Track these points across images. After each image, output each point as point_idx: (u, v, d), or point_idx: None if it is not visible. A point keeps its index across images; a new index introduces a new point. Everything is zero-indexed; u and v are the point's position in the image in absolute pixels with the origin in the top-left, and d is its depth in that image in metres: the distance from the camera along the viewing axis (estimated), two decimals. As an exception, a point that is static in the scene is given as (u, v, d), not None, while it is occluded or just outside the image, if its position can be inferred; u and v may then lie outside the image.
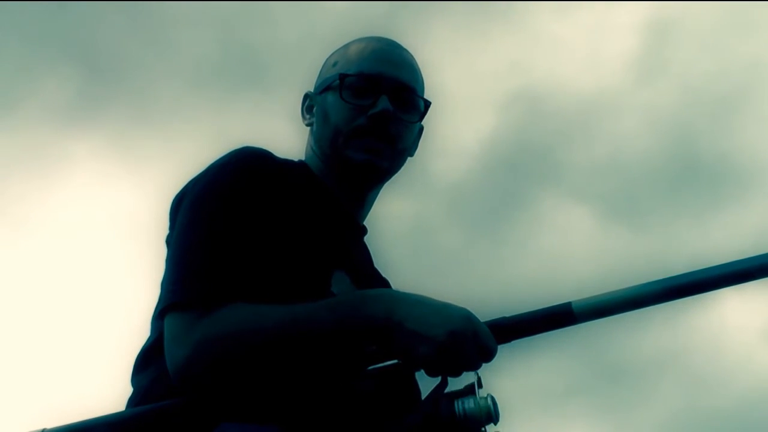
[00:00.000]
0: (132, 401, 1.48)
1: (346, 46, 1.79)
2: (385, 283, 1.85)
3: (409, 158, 1.79)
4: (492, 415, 1.29)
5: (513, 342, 1.38)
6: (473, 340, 1.32)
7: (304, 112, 1.82)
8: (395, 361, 1.36)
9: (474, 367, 1.33)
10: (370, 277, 1.74)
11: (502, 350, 1.38)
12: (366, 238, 1.82)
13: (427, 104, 1.77)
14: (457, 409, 1.29)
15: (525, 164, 6.70)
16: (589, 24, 7.00)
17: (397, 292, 1.40)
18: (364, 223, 1.80)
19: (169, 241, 1.56)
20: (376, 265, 1.85)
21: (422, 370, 1.34)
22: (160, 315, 1.43)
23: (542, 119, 6.79)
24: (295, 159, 1.78)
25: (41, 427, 1.36)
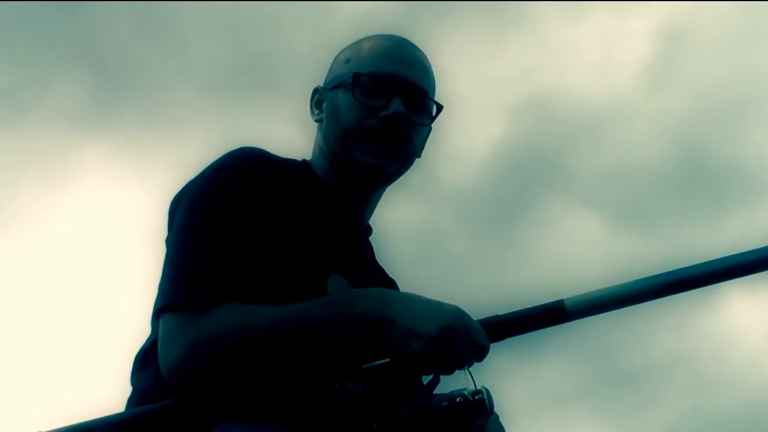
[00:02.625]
0: (132, 401, 1.49)
1: (359, 43, 1.77)
2: (390, 284, 1.83)
3: (417, 159, 1.77)
4: (486, 406, 1.31)
5: (507, 340, 1.39)
6: (465, 336, 1.33)
7: (313, 107, 1.79)
8: (388, 359, 1.37)
9: (466, 363, 1.34)
10: (370, 279, 1.72)
11: (502, 351, 1.39)
12: (371, 238, 1.81)
13: (439, 107, 1.75)
14: (450, 401, 1.30)
15: (534, 170, 6.71)
16: (601, 31, 7.01)
17: (391, 291, 1.42)
18: (369, 222, 1.79)
19: (168, 242, 1.56)
20: (382, 265, 1.84)
21: (416, 368, 1.35)
22: (155, 316, 1.44)
23: (552, 125, 6.80)
24: (299, 158, 1.77)
25: (37, 430, 1.36)
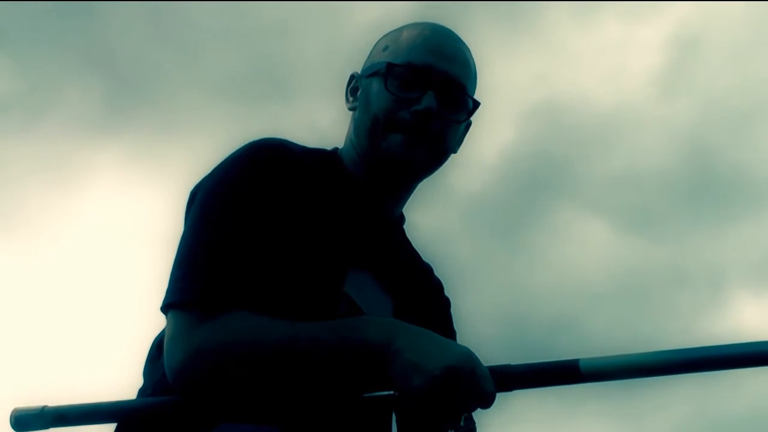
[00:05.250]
0: (142, 393, 1.50)
1: (400, 30, 1.71)
2: (425, 272, 1.82)
3: (452, 155, 1.72)
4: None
5: (515, 391, 1.36)
6: (470, 380, 1.28)
7: (348, 95, 1.74)
8: (391, 392, 1.34)
9: (466, 409, 1.30)
10: (398, 272, 1.68)
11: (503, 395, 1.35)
12: (405, 226, 1.78)
13: (476, 104, 1.68)
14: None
15: (544, 176, 6.71)
16: (613, 39, 7.00)
17: (402, 322, 1.39)
18: (402, 211, 1.75)
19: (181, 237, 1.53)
20: (418, 251, 1.80)
21: (414, 405, 1.31)
22: (162, 310, 1.44)
23: (562, 132, 6.80)
24: (330, 147, 1.74)
25: (42, 404, 1.39)
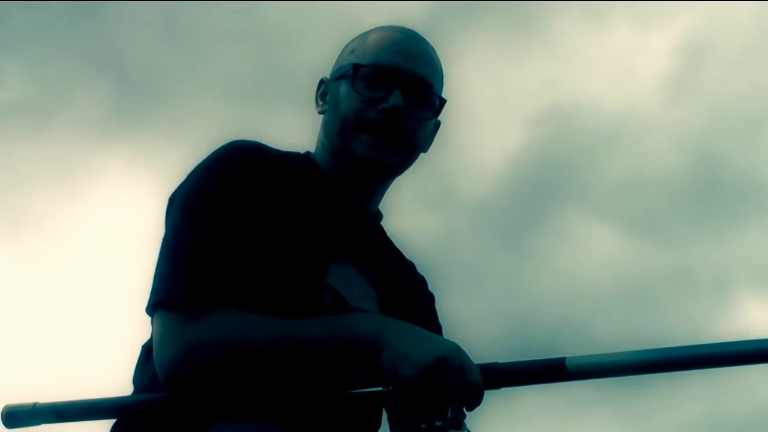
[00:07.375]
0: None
1: (366, 34, 1.73)
2: (409, 267, 1.83)
3: (422, 154, 1.72)
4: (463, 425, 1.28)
5: (502, 389, 1.37)
6: (459, 371, 1.31)
7: (318, 99, 1.76)
8: (380, 388, 1.36)
9: (454, 400, 1.31)
10: (381, 265, 1.71)
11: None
12: (383, 223, 1.79)
13: (442, 101, 1.69)
14: (429, 425, 1.28)
15: (550, 181, 6.72)
16: (622, 45, 7.00)
17: (390, 318, 1.41)
18: (379, 208, 1.76)
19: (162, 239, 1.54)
20: (400, 248, 1.82)
21: (405, 396, 1.33)
22: (147, 311, 1.45)
23: (569, 137, 6.80)
24: (302, 151, 1.76)
25: (33, 401, 1.40)
